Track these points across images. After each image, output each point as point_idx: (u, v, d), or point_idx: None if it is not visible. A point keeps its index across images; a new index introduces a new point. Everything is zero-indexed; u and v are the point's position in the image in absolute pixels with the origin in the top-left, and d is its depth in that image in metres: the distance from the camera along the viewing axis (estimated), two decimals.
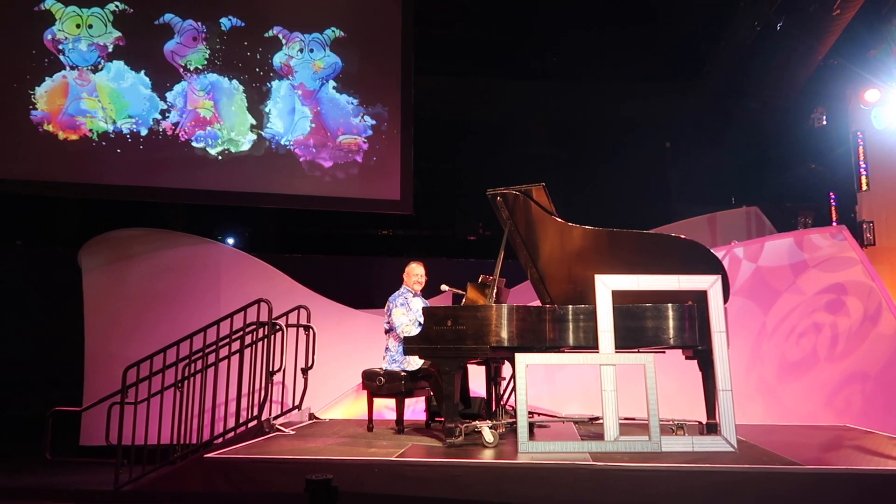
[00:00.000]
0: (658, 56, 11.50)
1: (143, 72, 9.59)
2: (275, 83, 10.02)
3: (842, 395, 6.47)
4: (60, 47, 9.36)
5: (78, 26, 9.45)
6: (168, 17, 9.75)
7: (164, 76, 9.65)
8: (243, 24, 10.01)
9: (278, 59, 10.07)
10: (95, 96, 9.38)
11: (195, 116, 9.68)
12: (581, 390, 6.76)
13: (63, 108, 9.25)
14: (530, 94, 12.17)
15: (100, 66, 9.46)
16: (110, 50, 9.51)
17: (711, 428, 4.90)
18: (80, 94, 9.33)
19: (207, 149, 9.66)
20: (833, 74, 10.34)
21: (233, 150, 9.73)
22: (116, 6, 9.60)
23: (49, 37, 9.33)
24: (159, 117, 9.52)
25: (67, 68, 9.35)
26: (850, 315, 6.64)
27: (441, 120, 11.64)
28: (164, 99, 9.59)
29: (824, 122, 10.71)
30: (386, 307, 5.69)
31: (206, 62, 9.81)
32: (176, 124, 9.58)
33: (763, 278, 6.94)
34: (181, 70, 9.73)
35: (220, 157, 9.68)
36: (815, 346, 6.68)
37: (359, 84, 10.33)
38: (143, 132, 9.46)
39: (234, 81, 9.89)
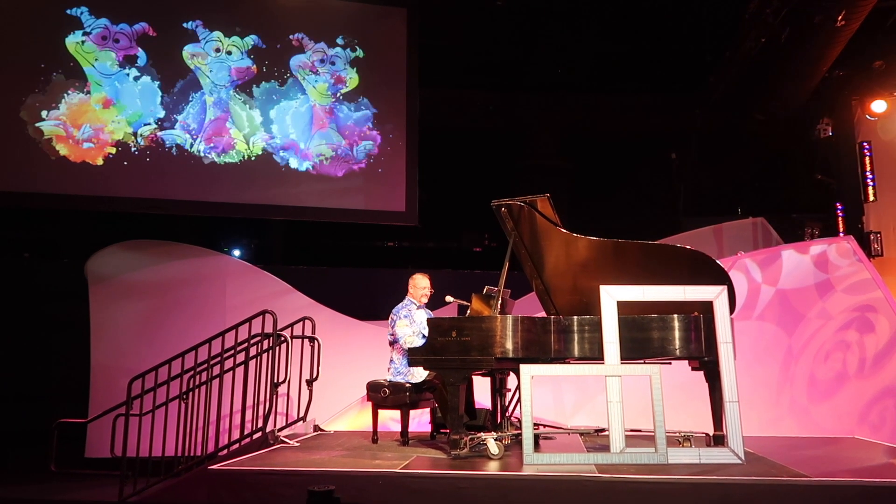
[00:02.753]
0: (664, 68, 11.52)
1: (156, 83, 9.62)
2: (284, 96, 10.07)
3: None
4: (76, 59, 9.39)
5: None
6: (187, 25, 9.80)
7: (177, 87, 9.69)
8: (259, 37, 10.07)
9: (290, 72, 10.13)
10: (105, 108, 9.43)
11: (206, 128, 9.72)
12: (587, 402, 6.72)
13: (73, 120, 9.29)
14: (537, 106, 12.19)
15: (114, 78, 9.50)
16: (125, 61, 9.55)
17: (718, 440, 4.87)
18: (90, 107, 9.38)
19: (216, 160, 9.69)
20: (839, 85, 10.34)
21: (240, 162, 9.77)
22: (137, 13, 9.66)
23: (70, 46, 9.37)
24: (170, 128, 9.56)
25: (79, 80, 9.39)
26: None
27: (447, 131, 11.67)
28: (175, 110, 9.62)
29: (830, 133, 10.71)
30: (389, 319, 5.68)
31: (221, 74, 9.87)
32: (186, 135, 9.61)
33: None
34: (196, 81, 9.78)
35: (227, 169, 9.71)
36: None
37: (366, 96, 10.38)
38: (153, 144, 9.50)
39: (246, 93, 9.93)
